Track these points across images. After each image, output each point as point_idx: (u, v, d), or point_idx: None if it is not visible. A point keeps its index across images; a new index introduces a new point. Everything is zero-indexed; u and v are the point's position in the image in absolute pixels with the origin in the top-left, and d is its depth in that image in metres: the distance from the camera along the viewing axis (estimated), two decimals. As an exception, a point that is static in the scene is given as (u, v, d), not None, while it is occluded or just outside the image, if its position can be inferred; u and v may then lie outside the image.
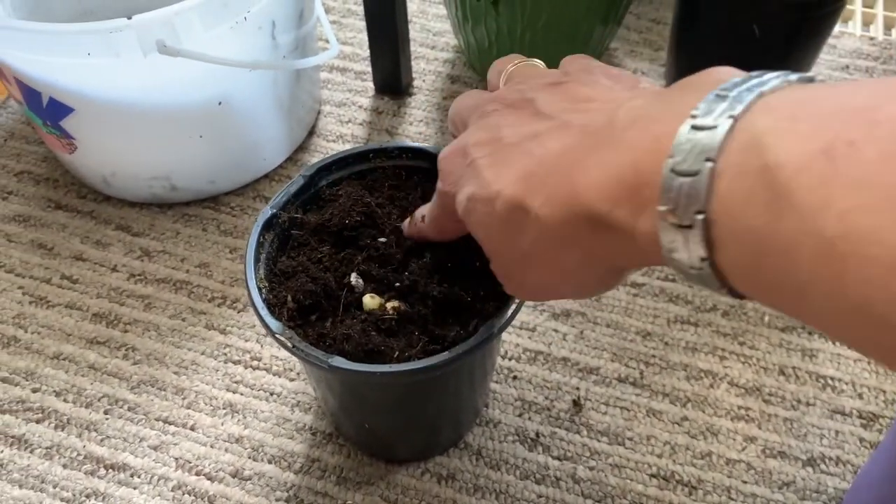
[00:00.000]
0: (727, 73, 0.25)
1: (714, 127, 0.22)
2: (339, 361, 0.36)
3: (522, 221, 0.29)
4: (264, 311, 0.38)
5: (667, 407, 0.53)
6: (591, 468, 0.50)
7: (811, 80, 0.23)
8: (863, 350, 0.20)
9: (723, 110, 0.22)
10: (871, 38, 0.76)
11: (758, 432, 0.52)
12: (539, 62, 0.37)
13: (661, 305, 0.58)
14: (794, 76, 0.23)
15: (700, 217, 0.22)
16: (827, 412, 0.52)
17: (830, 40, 0.75)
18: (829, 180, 0.19)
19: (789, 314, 0.22)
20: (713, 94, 0.23)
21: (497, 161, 0.31)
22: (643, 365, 0.55)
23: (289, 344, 0.37)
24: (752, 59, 0.61)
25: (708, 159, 0.21)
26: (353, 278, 0.40)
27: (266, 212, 0.42)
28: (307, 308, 0.39)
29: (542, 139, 0.29)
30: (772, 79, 0.23)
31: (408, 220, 0.42)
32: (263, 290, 0.40)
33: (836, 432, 0.52)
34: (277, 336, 0.37)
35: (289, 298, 0.39)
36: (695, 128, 0.22)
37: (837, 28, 0.77)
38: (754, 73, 0.24)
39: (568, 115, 0.29)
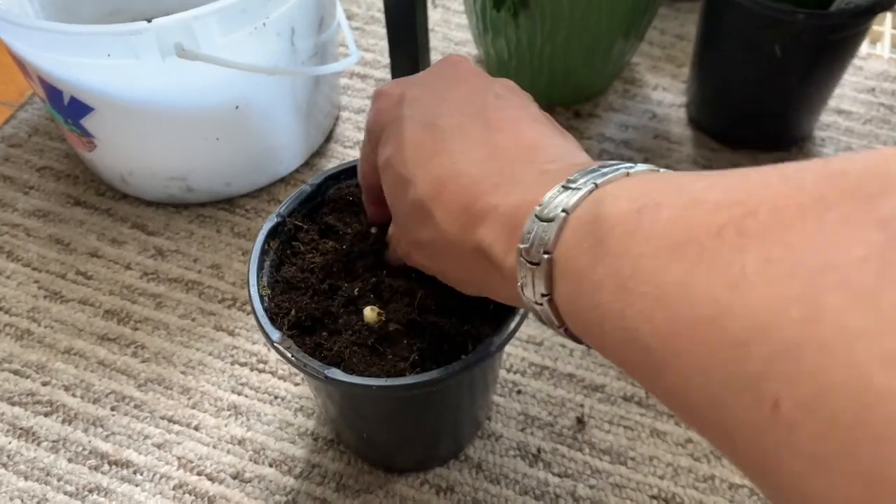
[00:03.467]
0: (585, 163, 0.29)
1: (578, 189, 0.26)
2: (336, 373, 0.36)
3: (426, 219, 0.32)
4: (265, 320, 0.38)
5: (671, 428, 0.52)
6: (592, 487, 0.50)
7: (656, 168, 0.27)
8: (637, 378, 0.23)
9: (589, 179, 0.26)
10: (900, 60, 0.75)
11: (763, 458, 0.51)
12: None
13: (671, 325, 0.57)
14: (639, 166, 0.27)
15: (546, 257, 0.25)
16: (835, 441, 0.52)
17: (857, 61, 0.74)
18: (633, 232, 0.22)
19: (603, 355, 0.25)
20: (591, 168, 0.27)
21: (422, 136, 0.33)
22: (649, 384, 0.54)
23: (287, 354, 0.37)
24: (774, 79, 0.61)
25: (564, 210, 0.25)
26: (355, 290, 0.40)
27: (272, 219, 0.43)
28: (308, 319, 0.40)
29: (468, 146, 0.32)
30: (640, 165, 0.27)
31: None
32: (266, 298, 0.40)
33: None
34: (276, 345, 0.38)
35: (292, 312, 0.39)
36: (564, 188, 0.26)
37: (865, 49, 0.76)
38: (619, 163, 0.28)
39: (496, 147, 0.32)
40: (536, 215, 0.26)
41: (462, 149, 0.32)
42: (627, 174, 0.26)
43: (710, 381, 0.19)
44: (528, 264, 0.26)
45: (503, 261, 0.28)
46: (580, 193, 0.25)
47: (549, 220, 0.25)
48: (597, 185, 0.25)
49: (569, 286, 0.25)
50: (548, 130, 0.33)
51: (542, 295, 0.26)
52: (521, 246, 0.26)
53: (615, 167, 0.26)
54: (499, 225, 0.29)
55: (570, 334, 0.27)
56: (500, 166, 0.31)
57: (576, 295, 0.24)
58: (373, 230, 0.43)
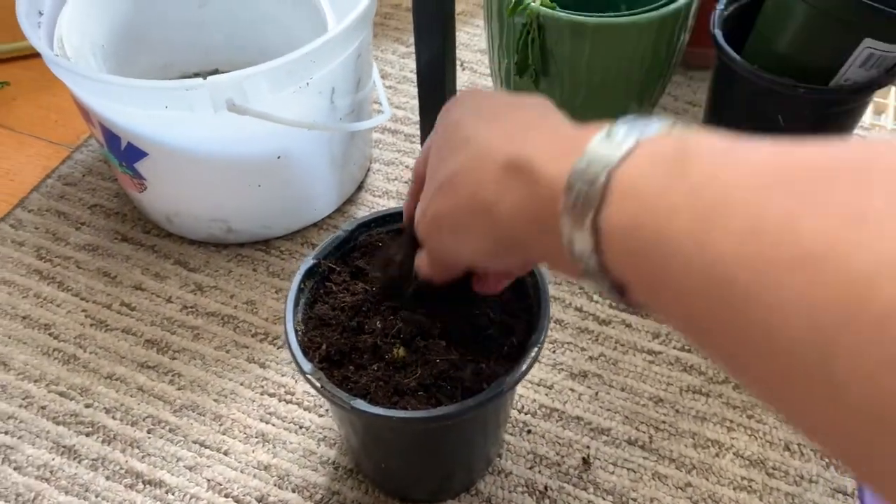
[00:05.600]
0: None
1: (648, 124, 0.25)
2: (360, 404, 0.40)
3: (464, 142, 0.32)
4: (298, 353, 0.43)
5: (673, 472, 0.55)
6: (594, 525, 0.53)
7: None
8: (695, 319, 0.22)
9: (655, 121, 0.26)
10: (903, 132, 0.79)
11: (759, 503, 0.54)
12: None
13: (675, 374, 0.60)
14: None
15: (604, 178, 0.24)
16: (829, 490, 0.54)
17: (861, 132, 0.78)
18: (724, 164, 0.22)
19: (649, 291, 0.24)
20: (632, 117, 0.27)
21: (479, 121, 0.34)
22: (653, 430, 0.57)
23: (317, 384, 0.41)
24: (778, 147, 0.65)
25: (635, 139, 0.25)
26: (381, 328, 0.44)
27: (308, 261, 0.47)
28: (337, 354, 0.44)
29: (489, 124, 0.33)
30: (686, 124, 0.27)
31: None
32: (299, 333, 0.44)
33: (837, 512, 0.53)
34: (308, 376, 0.42)
35: (323, 346, 0.44)
36: (608, 136, 0.26)
37: (869, 120, 0.80)
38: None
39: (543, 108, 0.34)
40: (583, 161, 0.25)
41: (512, 120, 0.33)
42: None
43: (820, 318, 0.18)
44: (579, 184, 0.25)
45: (544, 169, 0.28)
46: (653, 126, 0.25)
47: (615, 146, 0.25)
48: (668, 127, 0.25)
49: (628, 209, 0.23)
50: None
51: (590, 220, 0.24)
52: (577, 163, 0.25)
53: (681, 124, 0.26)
54: (547, 137, 0.29)
55: (601, 268, 0.25)
56: (550, 124, 0.32)
57: (635, 219, 0.23)
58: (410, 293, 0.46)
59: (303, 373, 0.42)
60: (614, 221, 0.24)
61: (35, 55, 0.78)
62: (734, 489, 0.54)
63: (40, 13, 0.64)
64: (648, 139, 0.24)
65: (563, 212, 0.26)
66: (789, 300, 0.18)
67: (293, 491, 0.54)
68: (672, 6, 0.61)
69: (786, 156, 0.21)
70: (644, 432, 0.57)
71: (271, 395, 0.59)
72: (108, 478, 0.55)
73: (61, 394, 0.60)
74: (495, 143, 0.31)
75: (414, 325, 0.44)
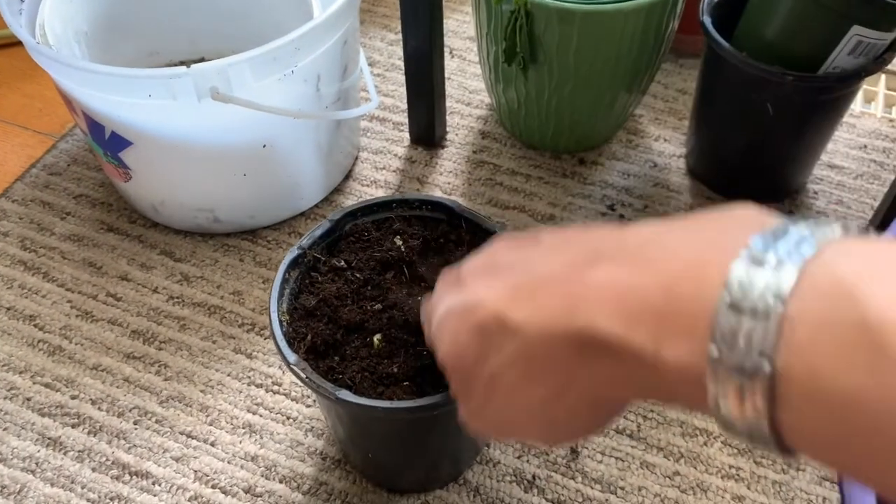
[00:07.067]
0: (756, 217, 0.22)
1: (782, 263, 0.19)
2: (346, 395, 0.40)
3: (500, 337, 0.25)
4: (283, 344, 0.42)
5: (660, 461, 0.55)
6: (582, 514, 0.53)
7: (858, 230, 0.21)
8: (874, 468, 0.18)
9: (788, 250, 0.20)
10: (891, 120, 0.79)
11: (746, 492, 0.54)
12: None
13: (664, 363, 0.60)
14: (851, 226, 0.21)
15: (766, 366, 0.19)
16: (816, 478, 0.54)
17: (850, 119, 0.78)
18: None
19: (874, 487, 0.20)
20: (768, 230, 0.21)
21: (486, 277, 0.28)
22: (641, 418, 0.57)
23: (302, 375, 0.41)
24: (767, 135, 0.65)
25: (778, 298, 0.19)
26: (367, 319, 0.44)
27: (293, 251, 0.47)
28: (322, 344, 0.43)
29: (539, 259, 0.26)
30: (828, 224, 0.21)
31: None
32: (284, 323, 0.44)
33: (824, 499, 0.53)
34: (293, 367, 0.41)
35: (308, 337, 0.43)
36: (754, 261, 0.20)
37: (859, 108, 0.80)
38: (793, 218, 0.22)
39: (570, 242, 0.27)
40: (731, 305, 0.20)
41: (533, 261, 0.26)
42: (823, 241, 0.20)
43: None
44: (730, 372, 0.20)
45: (654, 353, 0.22)
46: (790, 273, 0.19)
47: (756, 314, 0.19)
48: (807, 260, 0.19)
49: (821, 412, 0.19)
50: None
51: (758, 414, 0.20)
52: (714, 349, 0.20)
53: (806, 228, 0.20)
54: (633, 305, 0.22)
55: (786, 450, 0.21)
56: (588, 248, 0.25)
57: (840, 426, 0.18)
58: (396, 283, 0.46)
59: (288, 364, 0.42)
60: (794, 424, 0.20)
61: (18, 43, 0.77)
62: (722, 478, 0.54)
63: (22, 0, 0.63)
64: (797, 297, 0.19)
65: (715, 404, 0.21)
66: None
67: (280, 482, 0.54)
68: (661, -7, 0.61)
69: None
70: (632, 421, 0.57)
71: (258, 386, 0.59)
72: (94, 469, 0.55)
73: (47, 385, 0.60)
74: (543, 309, 0.25)
75: (400, 316, 0.44)
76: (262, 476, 0.55)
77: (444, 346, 0.29)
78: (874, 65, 0.59)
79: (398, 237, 0.49)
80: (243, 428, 0.57)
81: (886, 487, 0.19)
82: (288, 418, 0.57)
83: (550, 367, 0.24)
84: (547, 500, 0.53)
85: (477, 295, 0.27)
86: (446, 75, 0.74)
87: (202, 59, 0.76)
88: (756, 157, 0.67)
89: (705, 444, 0.56)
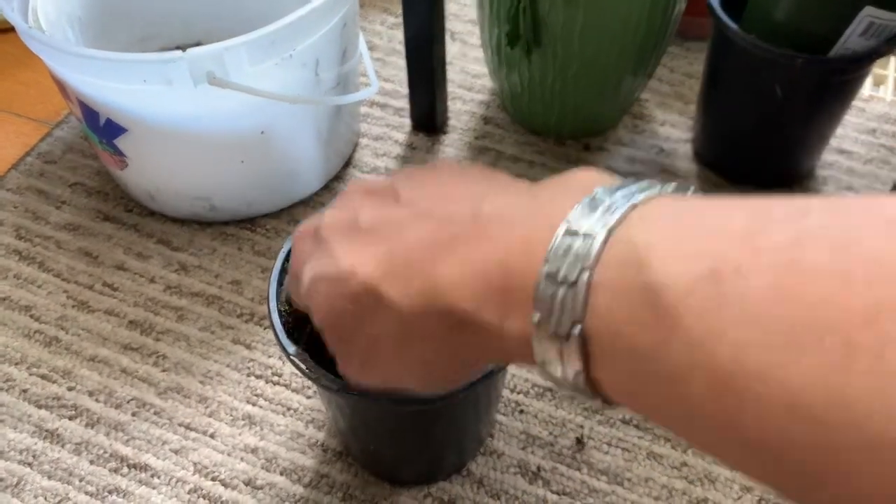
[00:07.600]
0: (593, 180, 0.25)
1: (590, 235, 0.21)
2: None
3: (375, 308, 0.27)
4: (282, 334, 0.41)
5: (668, 451, 0.54)
6: (588, 505, 0.52)
7: (685, 189, 0.23)
8: (753, 478, 0.20)
9: (597, 218, 0.22)
10: (902, 103, 0.77)
11: (755, 483, 0.53)
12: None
13: (670, 352, 0.59)
14: (669, 186, 0.23)
15: (577, 330, 0.21)
16: (825, 469, 0.53)
17: (859, 103, 0.76)
18: (718, 308, 0.18)
19: (676, 434, 0.22)
20: (587, 199, 0.23)
21: (352, 241, 0.29)
22: (647, 409, 0.56)
23: (302, 366, 0.40)
24: (776, 119, 0.63)
25: (584, 269, 0.21)
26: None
27: (290, 239, 0.45)
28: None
29: (401, 226, 0.28)
30: (644, 188, 0.23)
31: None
32: (283, 313, 0.43)
33: (834, 490, 0.52)
34: (292, 358, 0.40)
35: (308, 327, 0.42)
36: (569, 233, 0.22)
37: (868, 91, 0.78)
38: (626, 181, 0.23)
39: (429, 204, 0.28)
40: (548, 275, 0.22)
41: (394, 230, 0.28)
42: (634, 206, 0.22)
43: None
44: (551, 338, 0.22)
45: (500, 327, 0.24)
46: (597, 243, 0.21)
47: (567, 284, 0.21)
48: (611, 229, 0.21)
49: (621, 367, 0.21)
50: (473, 178, 0.29)
51: (577, 373, 0.22)
52: (535, 316, 0.22)
53: (621, 194, 0.22)
54: (479, 284, 0.24)
55: (608, 402, 0.23)
56: (445, 222, 0.27)
57: (637, 380, 0.21)
58: None
59: (287, 355, 0.41)
60: (612, 379, 0.22)
61: (11, 29, 0.76)
62: (730, 469, 0.53)
63: (13, -16, 0.62)
64: (598, 261, 0.21)
65: (542, 367, 0.24)
66: (870, 488, 0.17)
67: (281, 474, 0.53)
68: (667, -27, 0.59)
69: (798, 276, 0.17)
70: (638, 411, 0.56)
71: (258, 377, 0.58)
72: (91, 462, 0.54)
73: (43, 377, 0.59)
74: (412, 288, 0.27)
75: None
76: (263, 468, 0.54)
77: (319, 311, 0.31)
78: (885, 46, 0.57)
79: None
80: (243, 419, 0.56)
81: (681, 430, 0.21)
82: (288, 409, 0.56)
83: (425, 337, 0.27)
84: (552, 491, 0.52)
85: (347, 262, 0.28)
86: (448, 60, 0.73)
87: (198, 44, 0.74)
88: (764, 141, 0.66)
89: (713, 434, 0.55)
